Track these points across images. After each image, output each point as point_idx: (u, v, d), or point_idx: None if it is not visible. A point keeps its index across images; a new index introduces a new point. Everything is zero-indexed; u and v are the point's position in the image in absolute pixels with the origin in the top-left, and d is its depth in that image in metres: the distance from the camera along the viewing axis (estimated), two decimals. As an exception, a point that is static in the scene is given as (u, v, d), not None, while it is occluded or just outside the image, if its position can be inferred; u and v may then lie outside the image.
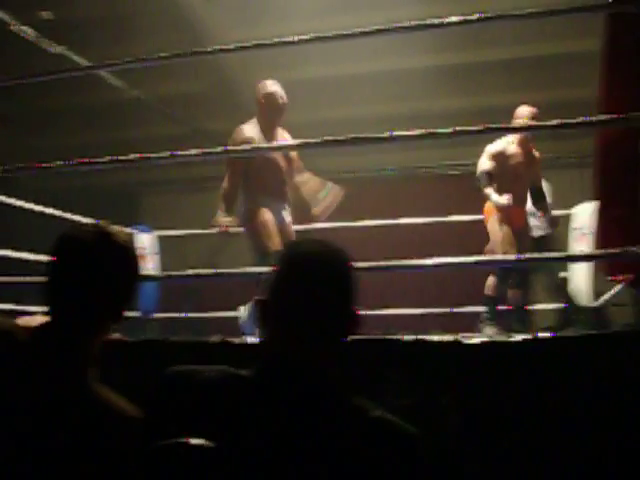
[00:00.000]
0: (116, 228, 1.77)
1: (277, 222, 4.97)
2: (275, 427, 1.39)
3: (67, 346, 1.67)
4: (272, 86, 5.03)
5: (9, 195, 5.30)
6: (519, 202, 5.63)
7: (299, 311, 1.46)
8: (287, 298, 1.48)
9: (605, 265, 3.57)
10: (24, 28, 7.20)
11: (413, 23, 3.31)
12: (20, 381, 1.61)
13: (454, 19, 3.22)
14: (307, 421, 1.40)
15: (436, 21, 3.26)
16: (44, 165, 3.73)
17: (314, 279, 1.48)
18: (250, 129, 4.97)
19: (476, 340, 2.57)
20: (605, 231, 3.28)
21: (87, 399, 1.65)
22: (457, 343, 2.57)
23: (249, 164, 4.94)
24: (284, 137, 5.17)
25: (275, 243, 4.78)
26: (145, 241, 7.37)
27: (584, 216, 5.78)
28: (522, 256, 5.07)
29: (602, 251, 3.25)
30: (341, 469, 1.36)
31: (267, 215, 4.92)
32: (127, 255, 1.76)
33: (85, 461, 1.57)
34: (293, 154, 5.16)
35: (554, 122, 3.03)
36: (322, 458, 1.36)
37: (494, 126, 3.05)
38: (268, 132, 5.00)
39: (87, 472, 1.58)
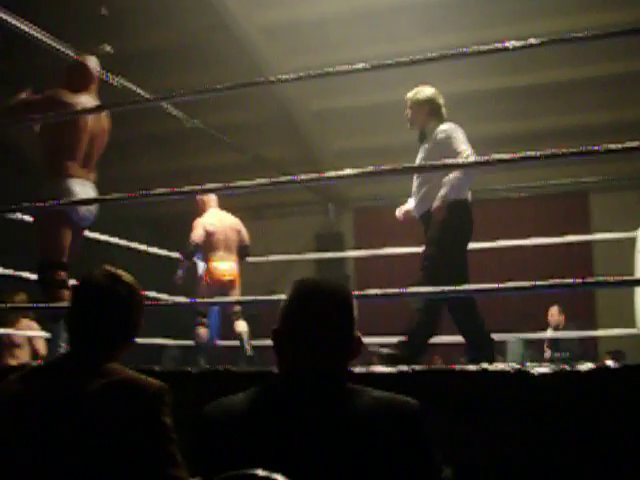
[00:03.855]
0: (123, 272, 2.17)
1: None
2: (305, 427, 1.65)
3: (87, 368, 2.01)
4: None
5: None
6: None
7: (318, 335, 1.73)
8: (305, 325, 1.74)
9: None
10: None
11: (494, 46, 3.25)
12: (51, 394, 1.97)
13: (533, 40, 3.14)
14: (332, 415, 1.66)
15: (517, 43, 3.19)
16: (113, 197, 3.75)
17: (327, 309, 1.75)
18: None
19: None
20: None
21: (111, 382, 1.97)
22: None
23: None
24: None
25: None
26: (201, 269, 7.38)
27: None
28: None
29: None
30: (363, 441, 1.63)
31: None
32: (133, 293, 2.15)
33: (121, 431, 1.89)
34: None
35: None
36: (348, 435, 1.63)
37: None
38: None
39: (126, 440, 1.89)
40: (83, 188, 4.36)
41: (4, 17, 6.10)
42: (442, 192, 4.23)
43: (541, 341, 7.93)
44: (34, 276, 4.53)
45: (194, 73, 8.77)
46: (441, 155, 4.18)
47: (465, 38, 7.27)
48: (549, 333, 7.85)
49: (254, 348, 6.58)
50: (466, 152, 4.24)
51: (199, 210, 6.66)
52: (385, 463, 1.62)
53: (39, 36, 6.48)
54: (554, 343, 7.77)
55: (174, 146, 10.07)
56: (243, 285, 6.73)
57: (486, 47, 3.24)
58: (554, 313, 7.95)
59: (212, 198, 6.65)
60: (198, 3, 7.80)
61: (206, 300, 6.33)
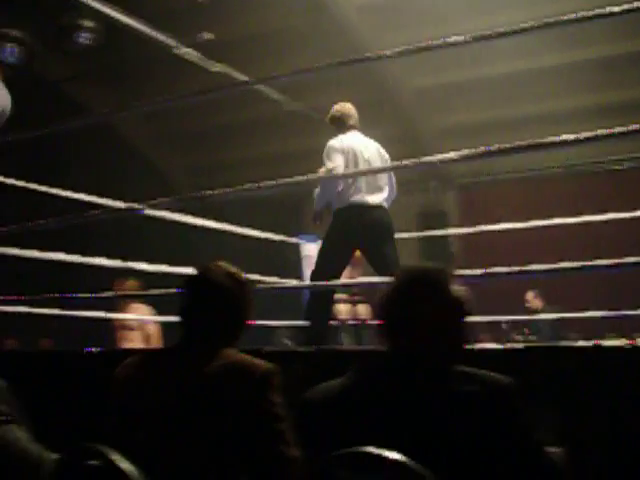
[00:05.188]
0: (234, 267, 2.35)
1: None
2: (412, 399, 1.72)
3: (203, 353, 2.16)
4: None
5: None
6: None
7: (421, 320, 1.81)
8: (407, 311, 1.83)
9: None
10: (188, 50, 7.46)
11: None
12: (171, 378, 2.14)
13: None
14: (437, 390, 1.74)
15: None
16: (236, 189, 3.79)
17: (427, 294, 1.84)
18: None
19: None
20: None
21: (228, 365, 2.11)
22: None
23: None
24: None
25: None
26: (311, 250, 7.42)
27: None
28: None
29: None
30: (464, 421, 1.68)
31: None
32: (244, 287, 2.34)
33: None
34: None
35: None
36: (451, 415, 1.69)
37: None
38: None
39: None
40: None
41: (105, 10, 6.26)
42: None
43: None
44: (144, 266, 4.71)
45: (292, 56, 8.77)
46: None
47: (560, 9, 7.04)
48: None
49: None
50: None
51: None
52: (484, 440, 1.67)
53: (140, 27, 6.62)
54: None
55: (275, 130, 10.13)
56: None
57: (591, 12, 3.11)
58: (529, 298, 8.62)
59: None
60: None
61: (345, 281, 6.24)
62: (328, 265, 4.93)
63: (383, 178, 5.02)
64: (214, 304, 2.29)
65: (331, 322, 6.88)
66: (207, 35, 7.31)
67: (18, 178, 5.12)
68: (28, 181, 5.21)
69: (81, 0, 6.29)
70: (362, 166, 4.90)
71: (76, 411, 3.52)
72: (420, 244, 9.90)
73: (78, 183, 5.62)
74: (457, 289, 1.87)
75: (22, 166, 5.41)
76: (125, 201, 4.95)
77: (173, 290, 3.48)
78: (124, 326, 6.67)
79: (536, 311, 8.45)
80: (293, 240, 7.34)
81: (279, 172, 4.43)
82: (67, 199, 5.30)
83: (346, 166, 4.84)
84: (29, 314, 4.94)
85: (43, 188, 5.34)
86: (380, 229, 4.94)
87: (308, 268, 6.97)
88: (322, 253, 5.03)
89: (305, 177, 4.11)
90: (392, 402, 1.73)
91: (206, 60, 7.70)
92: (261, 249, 7.89)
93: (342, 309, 6.94)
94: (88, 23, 7.68)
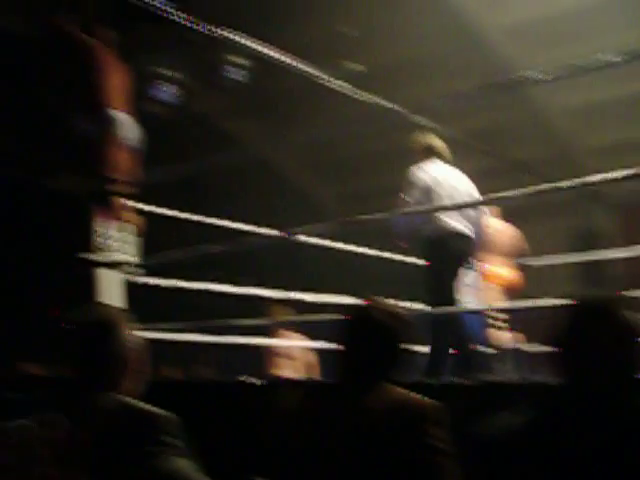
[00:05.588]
0: (391, 304, 2.38)
1: None
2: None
3: (366, 388, 2.19)
4: None
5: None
6: None
7: (607, 354, 1.76)
8: (592, 344, 1.77)
9: None
10: (338, 82, 7.57)
11: None
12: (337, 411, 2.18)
13: None
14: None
15: None
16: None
17: (608, 329, 1.77)
18: None
19: None
20: None
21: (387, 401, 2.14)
22: None
23: None
24: None
25: None
26: (471, 278, 7.31)
27: None
28: None
29: None
30: None
31: None
32: (403, 323, 2.33)
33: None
34: None
35: None
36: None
37: None
38: None
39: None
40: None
41: (256, 47, 6.44)
42: None
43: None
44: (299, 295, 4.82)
45: (438, 82, 8.76)
46: None
47: None
48: None
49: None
50: None
51: None
52: None
53: (289, 61, 6.77)
54: None
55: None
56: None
57: None
58: None
59: None
60: (437, 13, 7.80)
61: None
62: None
63: None
64: (375, 342, 2.30)
65: (488, 349, 6.81)
66: (357, 66, 7.40)
67: (173, 208, 5.37)
68: (183, 211, 5.46)
69: (232, 38, 6.50)
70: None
71: (235, 441, 3.57)
72: (576, 267, 9.58)
73: (232, 213, 5.80)
74: (630, 316, 1.81)
75: (174, 197, 5.64)
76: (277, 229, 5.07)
77: (330, 317, 3.51)
78: (274, 352, 6.73)
79: None
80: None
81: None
82: (224, 229, 5.51)
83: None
84: (187, 342, 5.15)
85: (197, 217, 5.56)
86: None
87: (467, 296, 6.90)
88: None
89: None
90: (583, 438, 1.68)
91: (355, 90, 7.80)
92: (411, 274, 7.86)
93: (498, 335, 6.78)
94: (240, 60, 7.96)
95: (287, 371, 6.60)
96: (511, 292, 6.36)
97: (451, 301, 4.82)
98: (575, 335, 1.82)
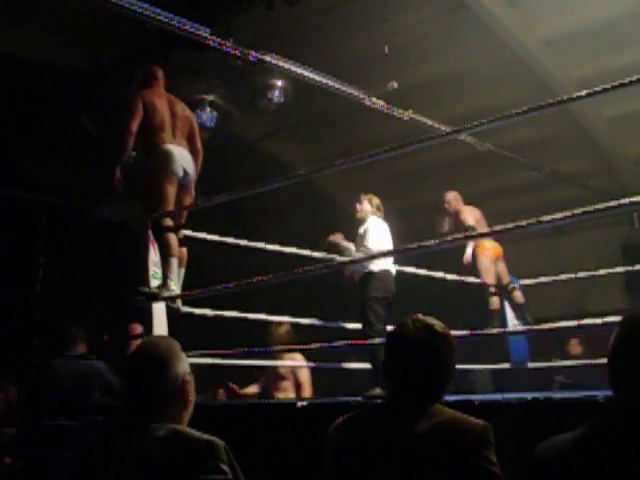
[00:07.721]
0: (434, 320, 2.31)
1: None
2: None
3: (414, 411, 2.16)
4: None
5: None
6: None
7: None
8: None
9: None
10: (376, 101, 7.60)
11: None
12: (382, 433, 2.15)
13: None
14: None
15: None
16: None
17: None
18: None
19: None
20: None
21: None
22: None
23: None
24: None
25: None
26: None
27: None
28: None
29: None
30: None
31: None
32: (447, 341, 2.29)
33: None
34: None
35: None
36: None
37: None
38: None
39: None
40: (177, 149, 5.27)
41: (294, 69, 6.51)
42: None
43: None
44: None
45: (478, 96, 8.73)
46: None
47: None
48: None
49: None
50: None
51: None
52: None
53: (328, 82, 6.84)
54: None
55: (463, 171, 10.04)
56: (545, 302, 6.59)
57: None
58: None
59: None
60: (475, 28, 7.77)
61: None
62: None
63: None
64: (414, 361, 2.26)
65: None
66: (394, 85, 7.41)
67: (222, 235, 5.47)
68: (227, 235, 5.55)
69: (271, 61, 6.59)
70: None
71: (282, 466, 3.55)
72: (624, 279, 9.44)
73: (277, 236, 5.85)
74: None
75: (221, 222, 5.76)
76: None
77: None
78: (277, 374, 6.66)
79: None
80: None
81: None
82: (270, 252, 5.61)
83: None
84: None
85: (244, 242, 5.63)
86: None
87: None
88: None
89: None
90: (634, 456, 1.63)
91: (394, 108, 7.82)
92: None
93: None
94: (279, 82, 8.03)
95: (284, 392, 6.55)
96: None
97: None
98: (626, 350, 1.78)
